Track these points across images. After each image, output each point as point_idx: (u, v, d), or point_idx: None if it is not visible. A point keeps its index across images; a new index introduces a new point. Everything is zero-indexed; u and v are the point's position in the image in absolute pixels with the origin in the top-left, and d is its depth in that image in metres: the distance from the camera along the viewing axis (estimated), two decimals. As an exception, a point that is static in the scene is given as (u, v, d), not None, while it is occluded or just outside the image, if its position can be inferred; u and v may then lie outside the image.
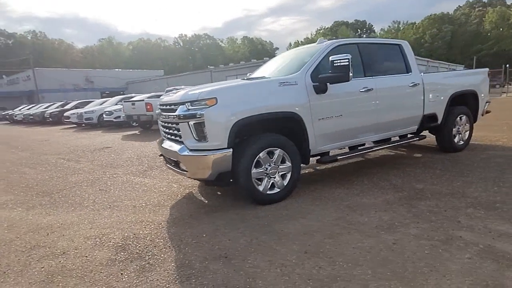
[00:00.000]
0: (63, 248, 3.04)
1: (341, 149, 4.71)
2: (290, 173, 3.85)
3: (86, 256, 2.84)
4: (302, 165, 4.00)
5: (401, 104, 4.75)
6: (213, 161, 3.42)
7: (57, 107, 22.51)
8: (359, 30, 78.28)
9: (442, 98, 5.19)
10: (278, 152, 3.72)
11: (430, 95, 5.03)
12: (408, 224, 2.99)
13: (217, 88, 3.58)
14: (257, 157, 3.60)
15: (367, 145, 4.82)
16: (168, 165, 4.19)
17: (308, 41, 69.18)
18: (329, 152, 4.38)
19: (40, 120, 22.31)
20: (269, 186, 3.74)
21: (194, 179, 4.10)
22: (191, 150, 3.54)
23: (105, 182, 5.38)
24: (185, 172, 3.70)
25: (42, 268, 2.69)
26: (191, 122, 3.46)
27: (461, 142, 5.63)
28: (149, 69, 50.17)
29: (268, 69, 4.89)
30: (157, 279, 2.40)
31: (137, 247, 2.95)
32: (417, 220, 3.07)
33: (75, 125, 18.13)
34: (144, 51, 62.11)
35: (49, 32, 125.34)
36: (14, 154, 9.35)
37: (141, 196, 4.44)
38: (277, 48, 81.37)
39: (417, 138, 5.10)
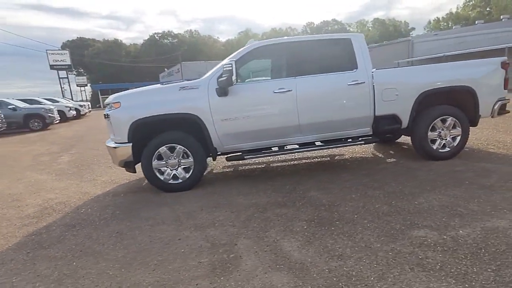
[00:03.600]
0: (26, 203, 4.51)
1: (287, 146, 4.70)
2: (192, 167, 4.33)
3: (22, 211, 4.21)
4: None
5: (334, 105, 4.36)
6: (118, 152, 4.29)
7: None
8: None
9: (405, 97, 4.43)
10: (178, 148, 4.27)
11: (384, 94, 4.39)
12: (222, 227, 3.16)
13: (123, 94, 4.40)
14: (157, 151, 4.25)
15: (292, 146, 4.67)
16: None
17: (451, 16, 57.98)
18: (261, 150, 4.54)
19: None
20: (171, 177, 4.34)
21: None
22: (114, 143, 4.49)
23: (121, 161, 6.90)
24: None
25: (-3, 213, 4.20)
26: (109, 120, 4.39)
27: (446, 149, 4.62)
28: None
29: None
30: (26, 232, 3.49)
31: (53, 209, 4.13)
32: (236, 224, 3.18)
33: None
34: (273, 41, 65.73)
35: (208, 29, 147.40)
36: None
37: (118, 174, 5.68)
38: (413, 29, 71.22)
39: (362, 142, 4.56)
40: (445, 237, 2.57)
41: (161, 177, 4.32)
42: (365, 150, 5.78)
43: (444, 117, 4.52)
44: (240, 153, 4.50)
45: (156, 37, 76.00)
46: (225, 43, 75.20)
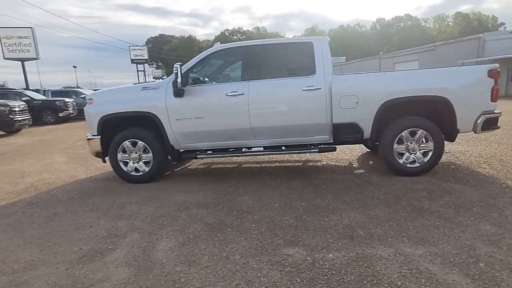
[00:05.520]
0: (25, 181, 5.29)
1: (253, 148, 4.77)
2: (152, 161, 4.64)
3: (15, 187, 4.96)
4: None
5: (286, 110, 4.23)
6: (91, 143, 4.78)
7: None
8: None
9: (366, 105, 4.09)
10: (139, 143, 4.60)
11: (342, 101, 4.12)
12: (135, 219, 3.37)
13: (97, 92, 4.85)
14: (121, 145, 4.63)
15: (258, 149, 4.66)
16: None
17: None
18: (225, 150, 4.67)
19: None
20: (133, 169, 4.70)
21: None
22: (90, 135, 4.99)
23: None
24: (93, 149, 5.22)
25: (-3, 187, 5.02)
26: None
27: (416, 165, 4.17)
28: (341, 56, 51.17)
29: None
30: (4, 204, 4.17)
31: (35, 188, 4.78)
32: (147, 219, 3.36)
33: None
34: (340, 38, 63.41)
35: (280, 26, 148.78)
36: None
37: (113, 163, 6.25)
38: (502, 24, 61.53)
39: (316, 150, 4.34)
40: (308, 258, 2.43)
41: (125, 169, 4.70)
42: (344, 157, 5.46)
43: (413, 129, 4.08)
44: (198, 152, 4.65)
45: (226, 34, 79.14)
46: (291, 40, 75.45)
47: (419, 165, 4.16)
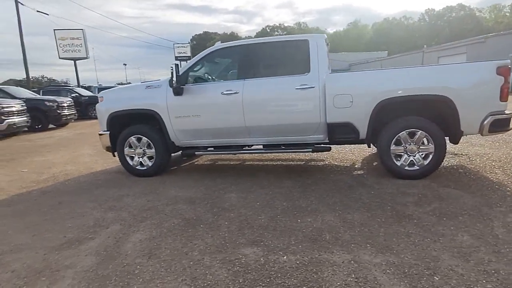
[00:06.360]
0: (49, 171, 5.81)
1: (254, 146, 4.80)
2: (155, 156, 4.87)
3: (40, 176, 5.46)
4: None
5: (279, 109, 4.20)
6: (101, 138, 5.12)
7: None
8: None
9: (360, 105, 3.93)
10: (143, 139, 4.85)
11: (336, 100, 4.00)
12: (124, 211, 3.58)
13: (107, 90, 5.16)
14: (127, 140, 4.91)
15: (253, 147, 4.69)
16: None
17: None
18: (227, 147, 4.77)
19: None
20: (138, 163, 4.97)
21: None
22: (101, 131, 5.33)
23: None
24: (106, 145, 5.58)
25: (23, 174, 5.57)
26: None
27: (415, 168, 3.93)
28: (384, 50, 48.94)
29: None
30: (17, 191, 4.62)
31: (54, 178, 5.24)
32: (134, 212, 3.55)
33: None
34: (384, 32, 60.32)
35: (323, 21, 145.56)
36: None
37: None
38: None
39: (310, 150, 4.25)
40: (262, 259, 2.43)
41: (131, 163, 4.98)
42: (351, 157, 5.28)
43: (411, 130, 3.86)
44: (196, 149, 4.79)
45: (268, 30, 79.22)
46: (332, 35, 73.14)
47: (418, 167, 3.92)
